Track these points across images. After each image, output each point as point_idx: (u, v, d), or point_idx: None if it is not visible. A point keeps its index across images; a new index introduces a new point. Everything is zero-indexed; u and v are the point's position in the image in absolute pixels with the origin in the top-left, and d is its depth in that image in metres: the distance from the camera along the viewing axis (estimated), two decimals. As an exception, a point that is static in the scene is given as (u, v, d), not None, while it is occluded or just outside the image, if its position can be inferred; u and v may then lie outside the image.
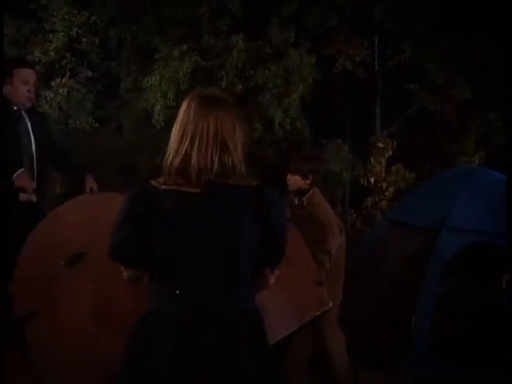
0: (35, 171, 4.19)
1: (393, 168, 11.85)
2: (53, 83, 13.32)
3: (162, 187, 2.08)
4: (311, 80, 13.58)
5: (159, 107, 13.35)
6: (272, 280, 2.27)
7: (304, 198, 4.51)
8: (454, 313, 5.20)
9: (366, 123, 14.93)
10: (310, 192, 4.52)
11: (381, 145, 11.59)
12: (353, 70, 14.42)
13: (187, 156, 2.10)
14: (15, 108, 4.19)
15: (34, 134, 4.25)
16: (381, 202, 11.61)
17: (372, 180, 11.65)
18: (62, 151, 4.66)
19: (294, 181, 4.49)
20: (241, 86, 13.25)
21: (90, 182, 4.29)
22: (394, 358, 4.78)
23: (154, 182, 2.11)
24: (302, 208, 4.52)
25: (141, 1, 14.60)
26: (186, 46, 13.41)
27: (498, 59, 13.40)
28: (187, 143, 2.11)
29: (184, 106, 2.21)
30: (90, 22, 14.08)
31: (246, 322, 2.11)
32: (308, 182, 4.50)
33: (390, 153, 11.66)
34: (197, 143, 2.10)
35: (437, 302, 4.95)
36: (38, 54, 13.15)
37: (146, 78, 13.58)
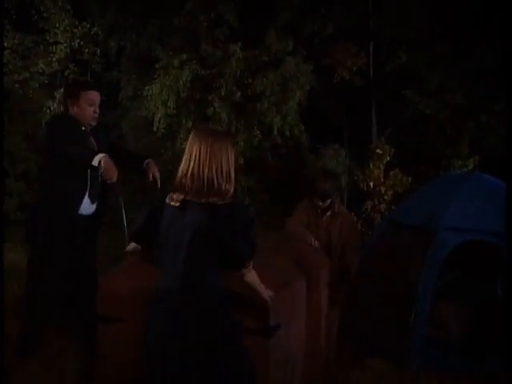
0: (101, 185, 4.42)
1: (391, 173, 12.12)
2: (56, 93, 13.53)
3: (166, 201, 2.83)
4: (308, 87, 13.88)
5: (160, 115, 13.59)
6: (246, 276, 2.92)
7: (335, 208, 5.18)
8: (451, 306, 5.48)
9: (362, 128, 15.18)
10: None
11: (379, 151, 11.89)
12: (350, 79, 14.71)
13: (180, 178, 2.78)
14: (83, 128, 4.44)
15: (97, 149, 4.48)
16: (380, 205, 11.87)
17: (371, 184, 11.94)
18: (125, 152, 4.91)
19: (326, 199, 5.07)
20: (239, 94, 13.47)
21: (152, 167, 4.54)
22: (396, 347, 5.05)
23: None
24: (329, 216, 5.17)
25: (141, 9, 14.90)
26: (185, 56, 13.67)
27: (492, 64, 13.73)
28: (183, 168, 2.78)
29: (189, 138, 2.83)
30: (92, 33, 14.31)
31: (207, 300, 2.75)
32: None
33: (388, 158, 11.96)
34: (187, 168, 2.75)
35: (435, 297, 5.23)
36: (41, 65, 13.36)
37: (146, 87, 13.82)
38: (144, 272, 3.21)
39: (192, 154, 2.73)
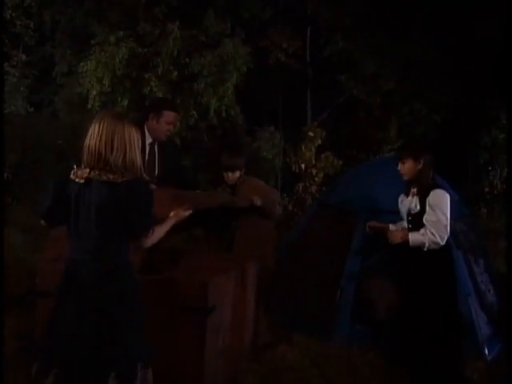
0: None
1: (322, 155, 12.41)
2: (-14, 67, 13.12)
3: (71, 176, 2.95)
4: (245, 69, 13.99)
5: (94, 92, 13.40)
6: (143, 243, 3.05)
7: (237, 184, 5.23)
8: (377, 285, 5.71)
9: (297, 111, 15.40)
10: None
11: (311, 134, 12.15)
12: (286, 62, 14.87)
13: (82, 155, 2.92)
14: (150, 140, 4.64)
15: (158, 162, 4.70)
16: (311, 187, 12.14)
17: (303, 166, 12.20)
18: (184, 174, 5.06)
19: (234, 176, 5.17)
20: (176, 74, 13.46)
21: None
22: (323, 324, 5.27)
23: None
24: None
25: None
26: (122, 33, 13.50)
27: (426, 52, 14.18)
28: (84, 145, 2.92)
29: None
30: (25, 4, 13.89)
31: (112, 270, 2.93)
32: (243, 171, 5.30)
33: (320, 141, 12.23)
34: (86, 145, 2.90)
35: (361, 275, 5.45)
36: (-32, 36, 12.89)
37: (81, 63, 13.58)
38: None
39: (90, 133, 2.91)
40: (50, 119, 14.71)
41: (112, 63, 13.24)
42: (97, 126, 2.90)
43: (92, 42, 13.58)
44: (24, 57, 14.46)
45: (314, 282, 5.64)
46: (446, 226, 4.29)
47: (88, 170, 2.90)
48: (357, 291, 5.44)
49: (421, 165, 4.45)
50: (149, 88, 13.16)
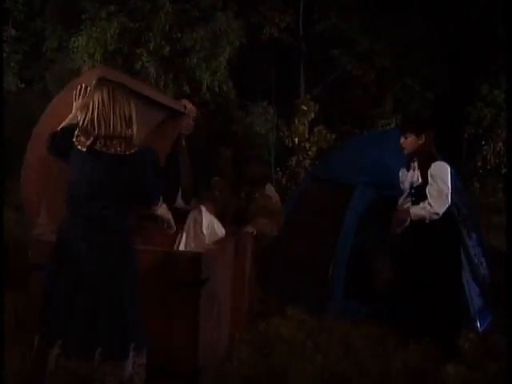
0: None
1: (315, 129, 12.36)
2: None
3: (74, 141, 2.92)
4: (238, 44, 13.85)
5: (87, 68, 13.26)
6: (157, 210, 3.13)
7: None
8: (367, 260, 5.72)
9: (290, 86, 15.31)
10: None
11: (304, 107, 12.10)
12: (278, 36, 14.74)
13: (85, 125, 2.90)
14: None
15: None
16: (304, 161, 12.15)
17: (296, 140, 12.17)
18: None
19: None
20: (168, 49, 13.31)
21: None
22: (317, 297, 5.29)
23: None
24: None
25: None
26: (112, 7, 13.32)
27: (420, 30, 14.10)
28: (87, 116, 2.89)
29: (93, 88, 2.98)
30: (13, -22, 13.69)
31: (113, 233, 2.95)
32: None
33: (313, 115, 12.19)
34: (92, 115, 2.86)
35: (357, 249, 5.46)
36: (-44, 11, 12.65)
37: (72, 39, 13.42)
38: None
39: (95, 102, 2.86)
40: (42, 95, 14.53)
41: (104, 38, 13.06)
42: (101, 95, 2.86)
43: (83, 16, 13.38)
44: (14, 32, 14.23)
45: (308, 255, 5.65)
46: (446, 195, 4.43)
47: (92, 138, 2.86)
48: (350, 265, 5.46)
49: (423, 140, 4.54)
50: (140, 63, 13.02)
